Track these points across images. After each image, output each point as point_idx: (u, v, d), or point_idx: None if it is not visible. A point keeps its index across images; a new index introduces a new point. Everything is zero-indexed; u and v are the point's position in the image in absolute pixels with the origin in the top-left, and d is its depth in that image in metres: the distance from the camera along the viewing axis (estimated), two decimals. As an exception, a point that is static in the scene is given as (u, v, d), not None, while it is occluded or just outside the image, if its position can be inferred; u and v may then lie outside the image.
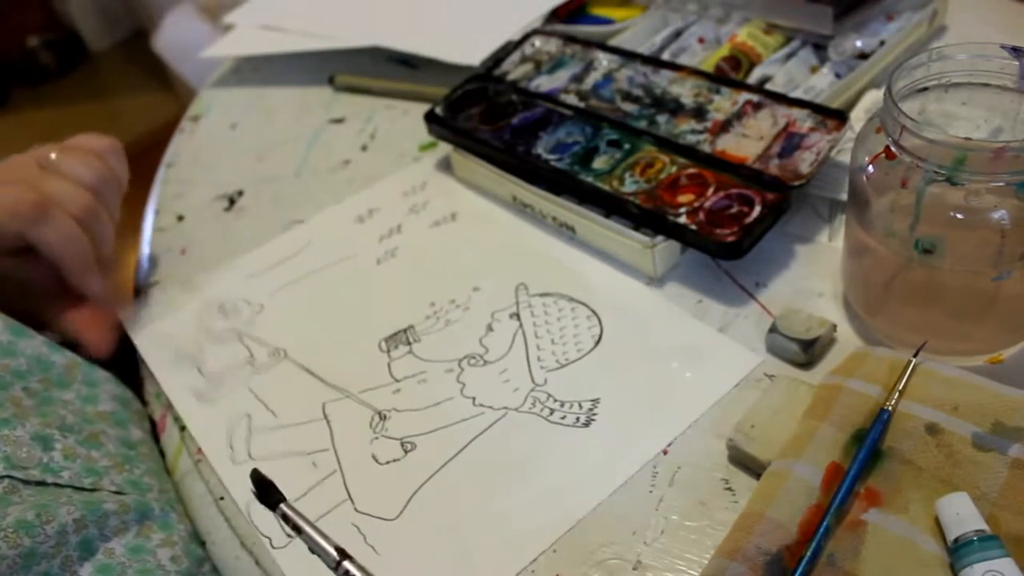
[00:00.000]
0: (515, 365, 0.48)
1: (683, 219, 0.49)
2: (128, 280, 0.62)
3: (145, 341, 0.56)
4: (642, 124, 0.57)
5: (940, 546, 0.34)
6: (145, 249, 0.65)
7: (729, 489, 0.40)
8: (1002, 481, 0.35)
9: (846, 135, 0.51)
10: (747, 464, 0.41)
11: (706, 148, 0.53)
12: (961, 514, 0.34)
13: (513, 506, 0.42)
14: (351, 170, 0.67)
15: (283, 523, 0.43)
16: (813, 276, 0.49)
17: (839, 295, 0.48)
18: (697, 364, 0.46)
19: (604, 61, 0.63)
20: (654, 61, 0.61)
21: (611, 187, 0.53)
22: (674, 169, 0.53)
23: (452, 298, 0.53)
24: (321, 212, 0.63)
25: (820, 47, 0.62)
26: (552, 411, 0.46)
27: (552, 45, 0.66)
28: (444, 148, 0.64)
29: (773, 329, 0.45)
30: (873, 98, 0.57)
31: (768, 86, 0.59)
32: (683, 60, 0.63)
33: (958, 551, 0.33)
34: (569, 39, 0.66)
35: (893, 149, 0.38)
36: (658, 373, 0.46)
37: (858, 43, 0.59)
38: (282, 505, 0.43)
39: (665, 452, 0.42)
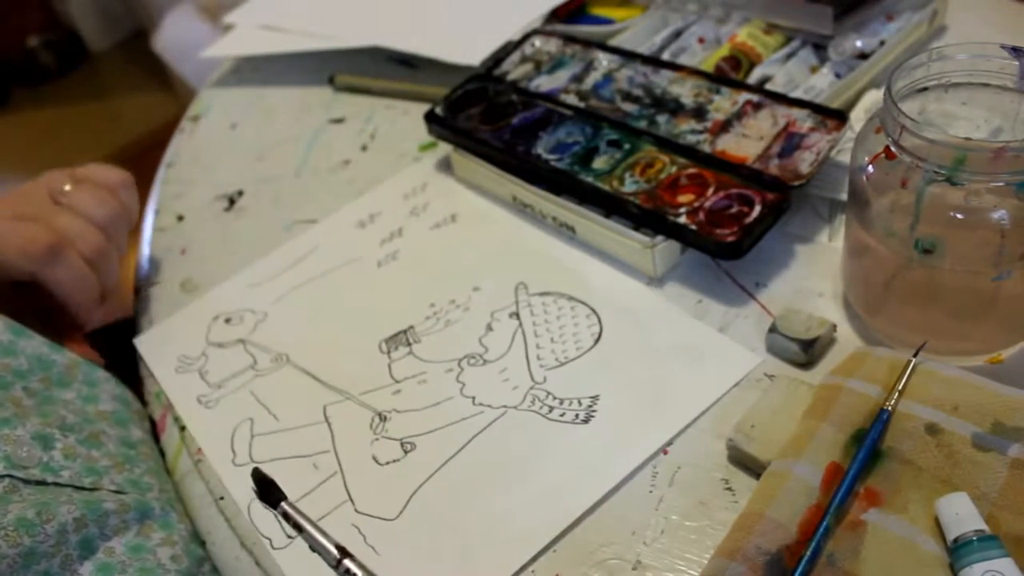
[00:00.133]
0: (514, 364, 0.48)
1: (683, 219, 0.49)
2: (128, 280, 0.62)
3: (146, 343, 0.56)
4: (642, 124, 0.57)
5: (940, 546, 0.34)
6: (145, 249, 0.65)
7: (729, 489, 0.40)
8: (1002, 481, 0.35)
9: (846, 135, 0.51)
10: (747, 464, 0.41)
11: (706, 148, 0.53)
12: (961, 514, 0.34)
13: (513, 505, 0.42)
14: (351, 170, 0.67)
15: (284, 522, 0.43)
16: (813, 276, 0.49)
17: (839, 295, 0.48)
18: (697, 364, 0.46)
19: (604, 61, 0.63)
20: (654, 61, 0.61)
21: (611, 187, 0.53)
22: (674, 169, 0.53)
23: (452, 298, 0.53)
24: (324, 219, 0.63)
25: (820, 47, 0.62)
26: (551, 408, 0.46)
27: (552, 45, 0.66)
28: (444, 148, 0.64)
29: (773, 329, 0.45)
30: (873, 98, 0.57)
31: (768, 86, 0.59)
32: (683, 60, 0.63)
33: (958, 551, 0.33)
34: (569, 39, 0.66)
35: (893, 149, 0.38)
36: (658, 372, 0.46)
37: (858, 43, 0.59)
38: (283, 503, 0.43)
39: (665, 452, 0.42)
